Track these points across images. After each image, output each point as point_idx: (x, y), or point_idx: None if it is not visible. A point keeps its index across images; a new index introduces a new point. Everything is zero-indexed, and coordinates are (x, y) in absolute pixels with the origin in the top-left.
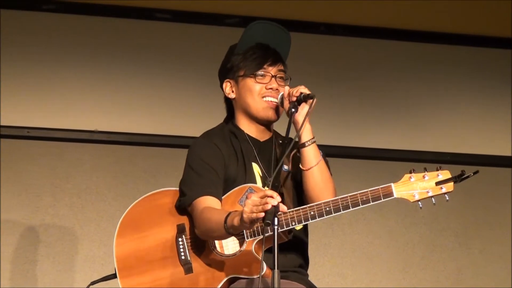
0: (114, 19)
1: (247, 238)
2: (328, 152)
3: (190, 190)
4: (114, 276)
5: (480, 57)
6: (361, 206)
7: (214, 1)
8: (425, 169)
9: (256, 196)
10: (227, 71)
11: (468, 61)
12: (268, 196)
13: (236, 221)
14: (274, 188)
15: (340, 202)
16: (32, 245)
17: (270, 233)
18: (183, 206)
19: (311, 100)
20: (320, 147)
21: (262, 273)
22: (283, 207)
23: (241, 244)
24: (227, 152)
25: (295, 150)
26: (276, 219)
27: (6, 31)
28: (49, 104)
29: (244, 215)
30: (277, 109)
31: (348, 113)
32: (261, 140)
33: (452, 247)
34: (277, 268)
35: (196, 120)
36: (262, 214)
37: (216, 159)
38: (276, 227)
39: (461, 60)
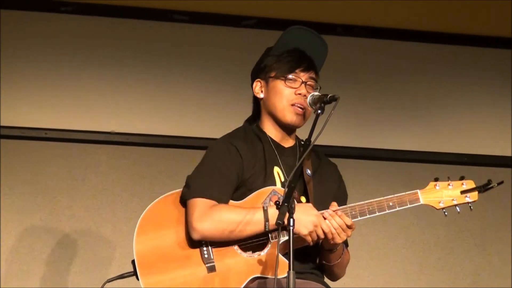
0: (131, 21)
1: (272, 239)
2: (347, 153)
3: (195, 185)
4: (131, 274)
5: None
6: (387, 212)
7: (231, 3)
8: (449, 178)
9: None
10: (259, 71)
11: (484, 62)
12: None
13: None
14: (290, 188)
15: (366, 207)
16: (48, 247)
17: (285, 237)
18: (184, 198)
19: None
20: (339, 148)
21: (283, 276)
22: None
23: (265, 245)
24: (248, 155)
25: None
26: (291, 220)
27: (24, 33)
28: (66, 105)
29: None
30: (303, 115)
31: (365, 115)
32: (285, 145)
33: (469, 248)
34: (292, 269)
35: (212, 121)
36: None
37: (232, 163)
38: (291, 228)
39: (478, 61)
